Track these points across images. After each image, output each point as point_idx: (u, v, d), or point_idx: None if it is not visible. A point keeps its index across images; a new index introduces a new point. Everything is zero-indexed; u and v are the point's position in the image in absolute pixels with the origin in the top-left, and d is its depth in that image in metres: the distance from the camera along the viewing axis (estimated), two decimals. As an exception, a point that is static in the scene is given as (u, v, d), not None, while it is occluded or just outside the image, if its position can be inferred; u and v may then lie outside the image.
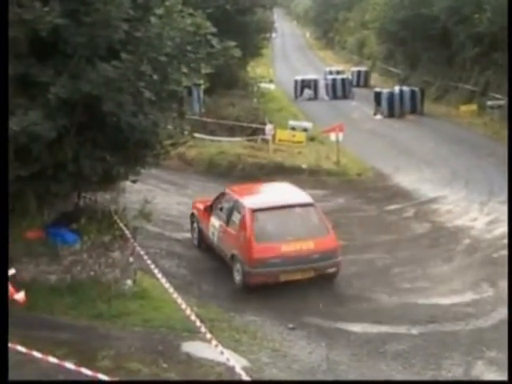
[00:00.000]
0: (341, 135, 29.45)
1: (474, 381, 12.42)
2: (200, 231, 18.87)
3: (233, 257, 16.48)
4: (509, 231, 19.39)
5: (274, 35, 61.08)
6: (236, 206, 16.96)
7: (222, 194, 18.17)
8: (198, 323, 11.53)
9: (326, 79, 54.06)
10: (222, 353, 10.44)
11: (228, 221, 17.12)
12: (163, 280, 13.27)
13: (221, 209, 17.78)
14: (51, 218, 15.06)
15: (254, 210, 16.35)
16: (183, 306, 12.12)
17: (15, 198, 14.47)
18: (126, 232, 15.07)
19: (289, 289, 16.01)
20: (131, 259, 14.94)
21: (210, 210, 18.28)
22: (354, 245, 19.48)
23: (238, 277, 16.22)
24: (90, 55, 13.20)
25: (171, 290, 12.79)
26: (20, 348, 10.26)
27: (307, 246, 16.06)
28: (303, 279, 16.06)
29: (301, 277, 16.07)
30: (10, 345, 10.25)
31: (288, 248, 15.93)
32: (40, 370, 10.33)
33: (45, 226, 14.77)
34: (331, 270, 16.39)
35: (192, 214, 19.59)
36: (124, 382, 10.51)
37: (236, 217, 16.78)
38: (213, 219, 17.94)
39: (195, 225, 19.24)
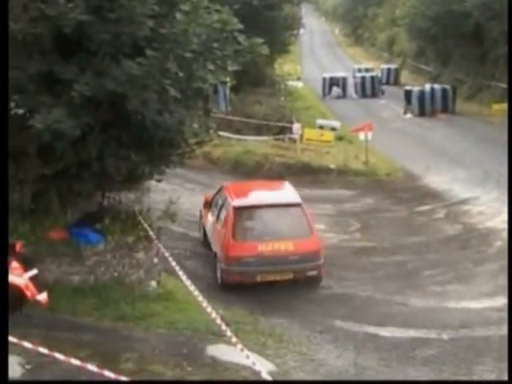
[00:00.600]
0: (370, 134, 29.39)
1: (474, 381, 12.38)
2: (203, 227, 19.02)
3: (216, 254, 16.62)
4: (509, 231, 19.41)
5: (301, 31, 60.95)
6: (225, 203, 17.09)
7: (219, 190, 18.33)
8: (223, 326, 11.51)
9: (354, 77, 53.93)
10: (247, 356, 10.41)
11: (218, 217, 17.25)
12: (188, 281, 13.26)
13: (216, 205, 17.94)
14: (74, 218, 15.10)
15: (237, 208, 16.40)
16: (208, 308, 12.10)
17: (38, 197, 14.56)
18: (151, 232, 15.08)
19: (315, 291, 15.99)
20: (155, 260, 14.96)
21: (209, 206, 18.50)
22: (383, 247, 19.43)
23: (218, 274, 16.31)
24: (114, 52, 13.22)
25: (196, 291, 12.78)
26: (42, 349, 10.28)
27: (286, 246, 15.94)
28: (282, 280, 15.99)
29: (279, 278, 15.97)
30: (31, 346, 10.31)
31: (265, 248, 15.88)
32: (62, 372, 10.34)
33: (68, 226, 14.81)
34: (311, 273, 16.17)
35: (200, 211, 19.77)
36: (129, 383, 10.47)
37: (223, 214, 16.89)
38: (209, 215, 18.14)
39: (202, 220, 19.43)
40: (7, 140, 11.14)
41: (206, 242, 18.51)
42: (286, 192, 17.87)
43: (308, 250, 16.03)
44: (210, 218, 17.92)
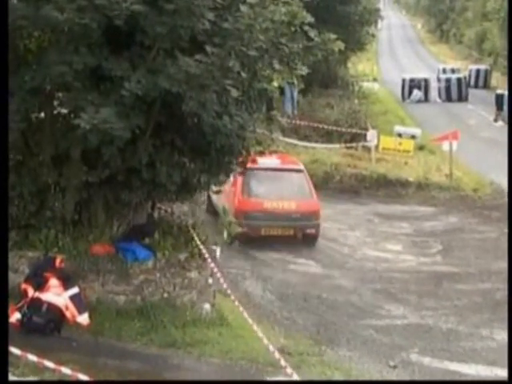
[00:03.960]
0: (455, 144, 29.10)
1: (474, 381, 12.55)
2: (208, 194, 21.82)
3: (223, 210, 19.31)
4: (509, 231, 19.67)
5: (379, 26, 60.76)
6: None
7: None
8: (282, 356, 11.45)
9: (438, 79, 53.45)
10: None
11: None
12: (245, 305, 13.26)
13: None
14: (121, 231, 15.18)
15: (246, 168, 18.51)
16: (266, 338, 12.06)
17: (82, 207, 14.68)
18: (204, 249, 15.11)
19: (389, 318, 15.89)
20: (210, 280, 14.97)
21: None
22: (468, 272, 19.21)
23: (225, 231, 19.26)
24: (170, 47, 13.25)
25: (254, 316, 12.77)
26: (82, 376, 10.34)
27: (289, 205, 20.43)
28: (283, 236, 20.18)
29: (281, 233, 20.28)
30: (70, 372, 10.39)
31: (270, 205, 20.28)
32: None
33: (114, 240, 14.90)
34: (310, 231, 20.51)
35: None
36: (131, 383, 10.47)
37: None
38: None
39: None
40: (7, 144, 11.26)
41: (210, 208, 21.93)
42: (289, 159, 22.99)
43: (308, 210, 20.59)
44: None
